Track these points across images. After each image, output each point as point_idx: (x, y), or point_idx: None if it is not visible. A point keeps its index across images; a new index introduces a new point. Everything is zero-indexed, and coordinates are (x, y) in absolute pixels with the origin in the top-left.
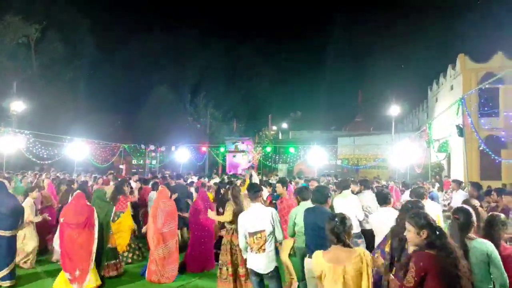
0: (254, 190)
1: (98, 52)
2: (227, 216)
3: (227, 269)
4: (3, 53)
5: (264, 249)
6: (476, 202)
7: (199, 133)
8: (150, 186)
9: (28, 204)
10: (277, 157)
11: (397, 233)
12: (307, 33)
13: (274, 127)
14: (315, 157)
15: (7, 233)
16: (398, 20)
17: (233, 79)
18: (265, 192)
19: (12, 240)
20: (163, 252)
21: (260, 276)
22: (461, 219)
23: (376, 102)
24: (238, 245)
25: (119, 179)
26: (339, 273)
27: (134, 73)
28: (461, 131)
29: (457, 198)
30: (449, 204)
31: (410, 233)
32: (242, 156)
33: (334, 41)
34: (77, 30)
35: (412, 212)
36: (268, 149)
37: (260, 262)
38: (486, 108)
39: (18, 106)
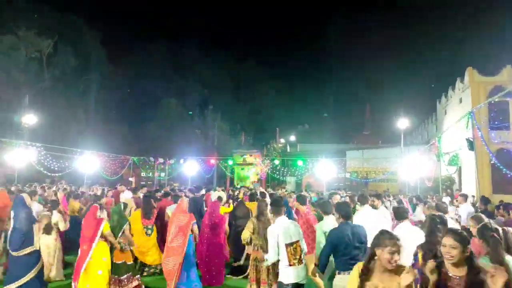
0: (277, 205)
1: (109, 65)
2: (244, 234)
3: (251, 287)
4: (16, 67)
5: (302, 260)
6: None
7: (207, 146)
8: (170, 198)
9: (57, 218)
10: (285, 170)
11: (429, 250)
12: (314, 46)
13: (282, 140)
14: (324, 170)
15: (22, 252)
16: (406, 33)
17: (240, 92)
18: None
19: (27, 257)
20: (167, 265)
21: None
22: (498, 236)
23: (384, 115)
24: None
25: (147, 193)
26: None
27: (144, 86)
28: (471, 145)
29: (462, 212)
30: (460, 217)
31: (456, 250)
32: (250, 169)
33: (342, 54)
34: (88, 44)
35: (452, 229)
36: (276, 162)
37: (302, 273)
38: (496, 122)
39: (29, 119)
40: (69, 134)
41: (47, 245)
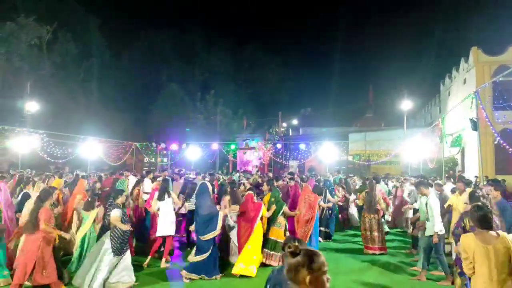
0: (426, 184)
1: (109, 51)
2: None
3: (366, 232)
4: (16, 54)
5: None
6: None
7: (209, 131)
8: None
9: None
10: (287, 154)
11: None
12: (317, 30)
13: (284, 124)
14: (326, 153)
15: (207, 237)
16: (410, 13)
17: (242, 76)
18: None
19: (212, 241)
20: (301, 233)
21: None
22: None
23: (387, 97)
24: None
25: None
26: (488, 253)
27: (145, 72)
28: (475, 125)
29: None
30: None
31: None
32: (253, 153)
33: (344, 36)
34: (88, 30)
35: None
36: (279, 146)
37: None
38: (500, 101)
39: (32, 106)
40: (72, 121)
41: None
